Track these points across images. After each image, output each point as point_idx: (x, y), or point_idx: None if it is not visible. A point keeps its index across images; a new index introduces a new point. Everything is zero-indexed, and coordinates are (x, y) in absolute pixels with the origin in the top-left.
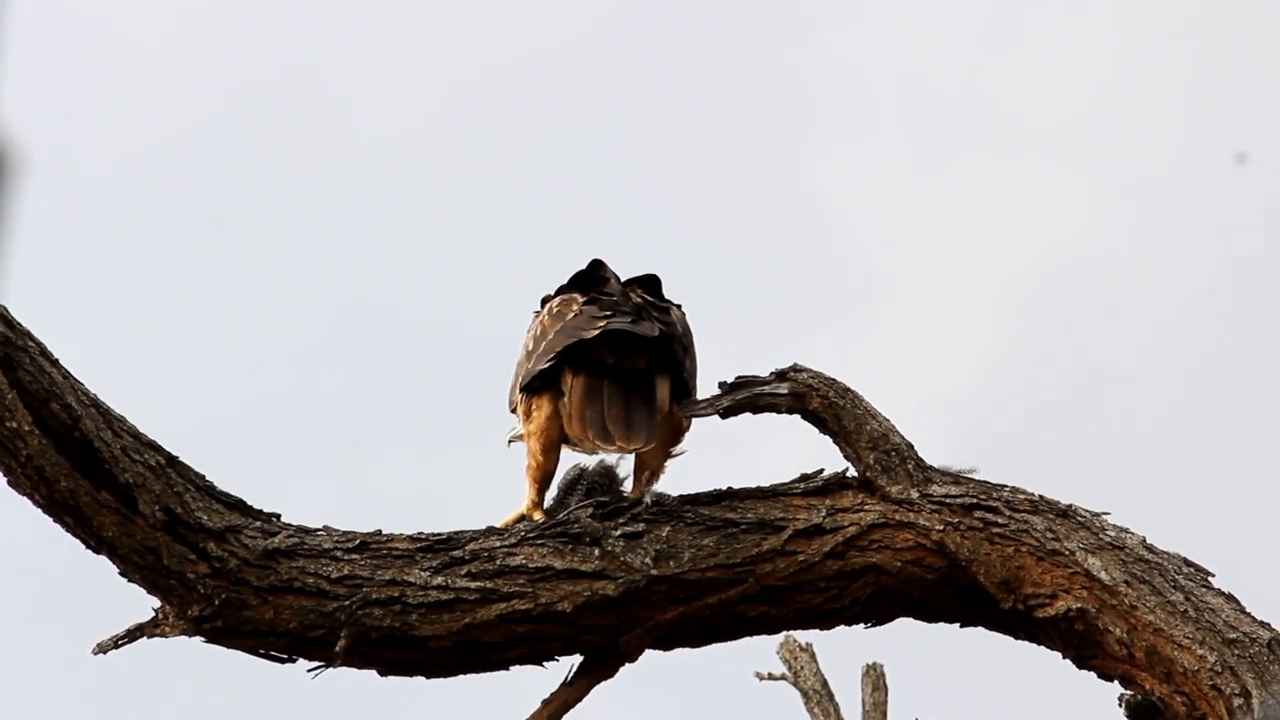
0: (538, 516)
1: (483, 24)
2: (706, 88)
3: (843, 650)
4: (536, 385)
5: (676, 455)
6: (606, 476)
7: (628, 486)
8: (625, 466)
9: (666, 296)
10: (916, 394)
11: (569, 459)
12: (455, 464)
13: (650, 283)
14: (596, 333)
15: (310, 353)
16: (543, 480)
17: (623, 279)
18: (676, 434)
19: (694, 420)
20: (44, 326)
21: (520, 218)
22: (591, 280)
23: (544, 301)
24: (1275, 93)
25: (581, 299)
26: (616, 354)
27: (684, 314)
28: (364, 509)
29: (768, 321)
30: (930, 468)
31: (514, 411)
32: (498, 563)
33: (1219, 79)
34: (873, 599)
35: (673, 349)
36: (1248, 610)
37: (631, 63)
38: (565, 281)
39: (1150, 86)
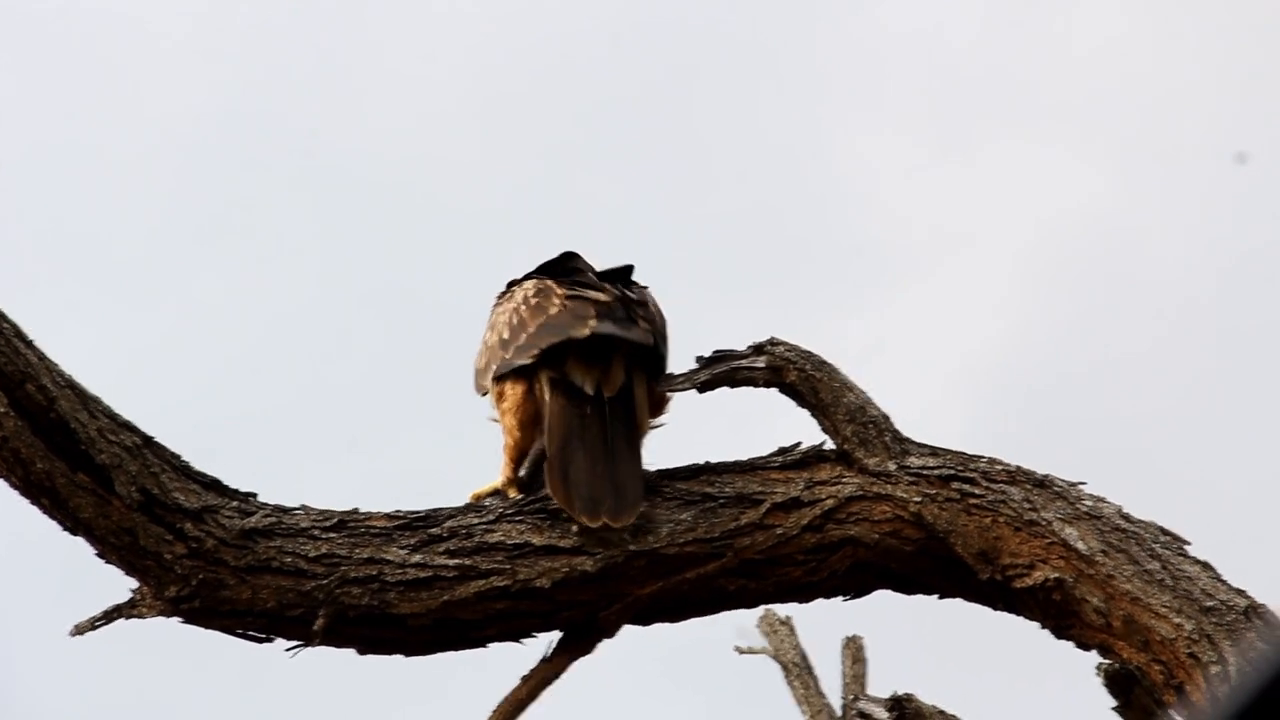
0: (513, 493)
1: (498, 8)
2: (723, 67)
3: (822, 623)
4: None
5: (657, 427)
6: None
7: None
8: None
9: (636, 281)
10: (942, 368)
11: None
12: (472, 450)
13: (625, 274)
14: (587, 334)
15: (329, 340)
16: (519, 458)
17: (597, 270)
18: (659, 406)
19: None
20: (64, 313)
21: (536, 203)
22: (563, 270)
23: (510, 285)
24: None
25: (562, 291)
26: (597, 364)
27: (655, 297)
28: (385, 496)
29: (789, 299)
30: (908, 439)
31: (482, 394)
32: (476, 540)
33: (1258, 50)
34: (851, 571)
35: (657, 348)
36: (1224, 578)
37: (647, 45)
38: (534, 269)
39: (1183, 56)
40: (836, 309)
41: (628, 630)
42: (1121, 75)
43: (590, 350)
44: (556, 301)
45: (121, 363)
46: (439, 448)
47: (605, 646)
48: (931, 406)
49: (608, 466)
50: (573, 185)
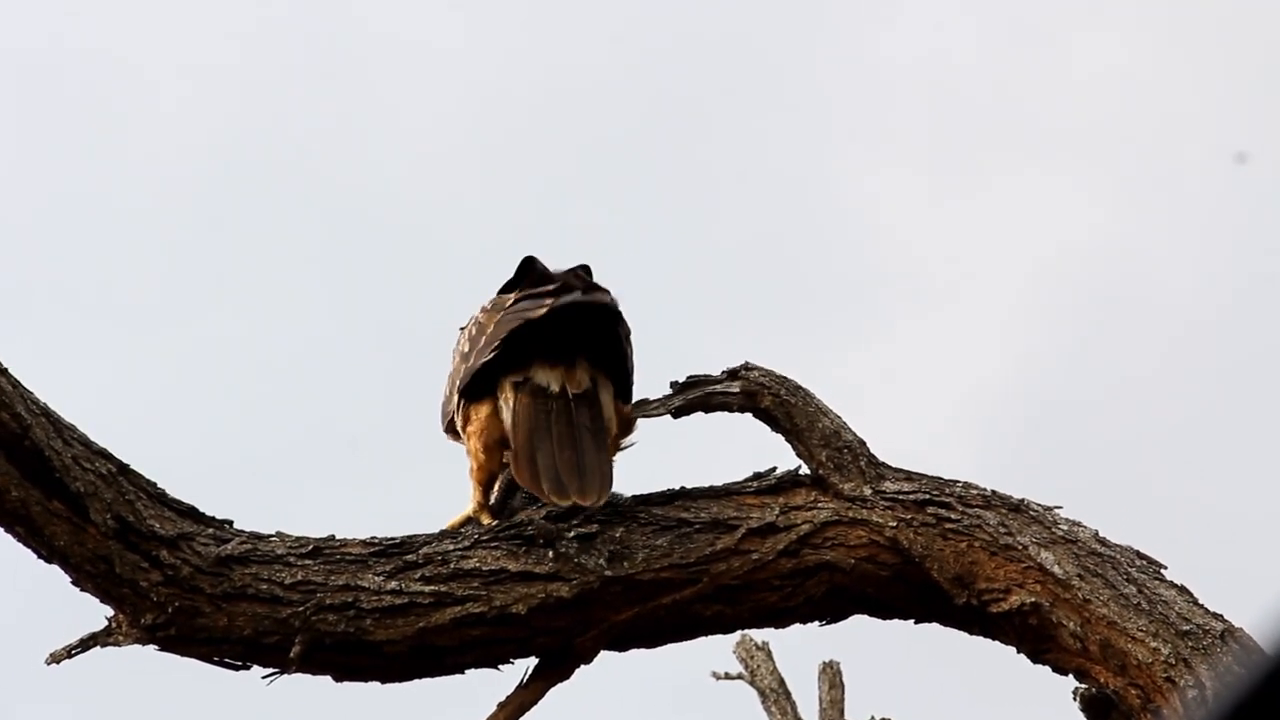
0: (485, 519)
1: (499, 42)
2: (725, 96)
3: (799, 649)
4: (474, 391)
5: (626, 448)
6: None
7: None
8: None
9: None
10: (948, 399)
11: None
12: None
13: (584, 273)
14: (545, 311)
15: (336, 376)
16: (487, 481)
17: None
18: (626, 428)
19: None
20: (71, 353)
21: (539, 234)
22: (527, 280)
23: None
24: None
25: (516, 294)
26: (561, 363)
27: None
28: (390, 522)
29: (793, 331)
30: (883, 464)
31: (448, 429)
32: (451, 566)
33: (1255, 78)
34: (827, 596)
35: (618, 334)
36: (1201, 602)
37: (647, 73)
38: (498, 290)
39: (1183, 84)
40: (840, 341)
41: (604, 656)
42: (1123, 104)
43: (554, 348)
44: (511, 300)
45: (128, 405)
46: (446, 481)
47: (582, 673)
48: (937, 437)
49: (574, 454)
50: (575, 216)
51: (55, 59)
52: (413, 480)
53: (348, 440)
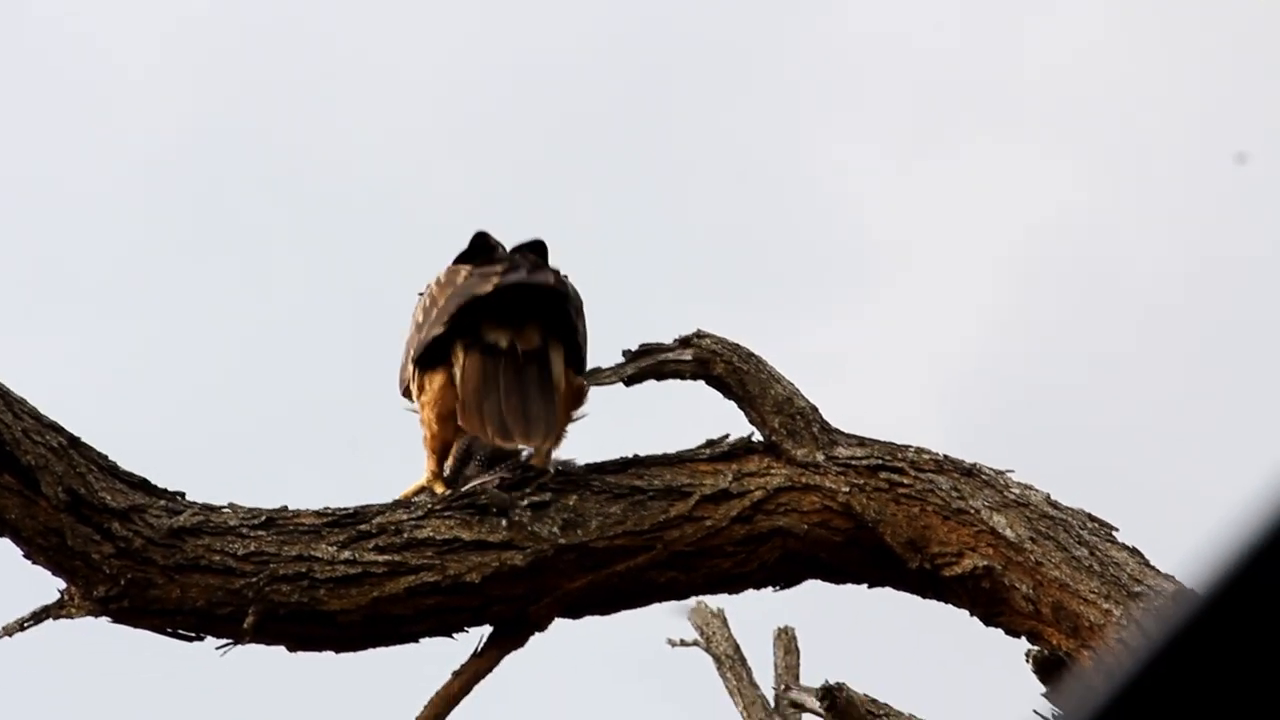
0: (439, 489)
1: (471, 24)
2: (694, 73)
3: (754, 615)
4: (428, 359)
5: (578, 419)
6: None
7: (524, 450)
8: None
9: (553, 265)
10: (920, 372)
11: None
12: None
13: (537, 248)
14: (490, 289)
15: (313, 353)
16: (441, 450)
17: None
18: (578, 398)
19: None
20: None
21: (511, 215)
22: (480, 253)
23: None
24: None
25: (469, 267)
26: (510, 327)
27: (572, 281)
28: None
29: (764, 305)
30: (835, 430)
31: (405, 394)
32: (405, 536)
33: (1237, 49)
34: (781, 562)
35: (567, 310)
36: (1152, 564)
37: (615, 50)
38: (452, 260)
39: (1159, 59)
40: (811, 315)
41: (559, 624)
42: (1096, 78)
43: (504, 313)
44: (463, 274)
45: (100, 381)
46: (400, 451)
47: (537, 640)
48: (909, 410)
49: (520, 400)
50: (547, 197)
51: (21, 39)
52: (368, 452)
53: (348, 441)
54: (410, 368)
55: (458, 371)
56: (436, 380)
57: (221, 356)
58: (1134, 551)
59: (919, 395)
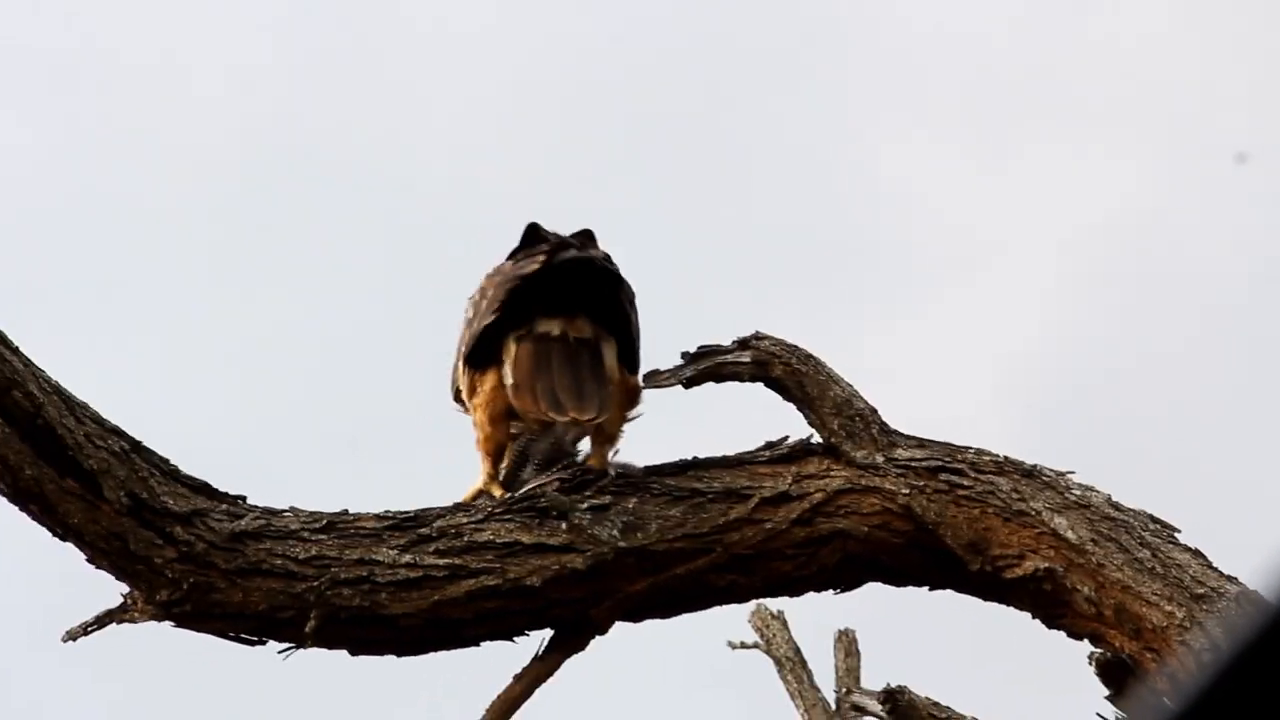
0: (496, 491)
1: (526, 24)
2: (755, 73)
3: (815, 616)
4: (479, 359)
5: (633, 419)
6: (555, 447)
7: (581, 448)
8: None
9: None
10: (983, 372)
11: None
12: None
13: (586, 236)
14: (539, 265)
15: (335, 352)
16: (496, 452)
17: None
18: (632, 397)
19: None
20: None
21: (568, 213)
22: (533, 244)
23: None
24: None
25: (515, 258)
26: (562, 315)
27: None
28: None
29: (826, 305)
30: (895, 432)
31: (456, 398)
32: (465, 539)
33: None
34: (841, 564)
35: (619, 296)
36: (1215, 565)
37: (679, 53)
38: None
39: (1221, 55)
40: (875, 315)
41: (620, 627)
42: (1158, 75)
43: (554, 299)
44: (509, 264)
45: (153, 384)
46: (448, 453)
47: (597, 643)
48: (972, 410)
49: (573, 379)
50: (610, 200)
51: (87, 53)
52: (426, 457)
53: (349, 440)
54: (461, 368)
55: (509, 365)
56: (488, 381)
57: (259, 358)
58: (1196, 553)
59: (982, 394)
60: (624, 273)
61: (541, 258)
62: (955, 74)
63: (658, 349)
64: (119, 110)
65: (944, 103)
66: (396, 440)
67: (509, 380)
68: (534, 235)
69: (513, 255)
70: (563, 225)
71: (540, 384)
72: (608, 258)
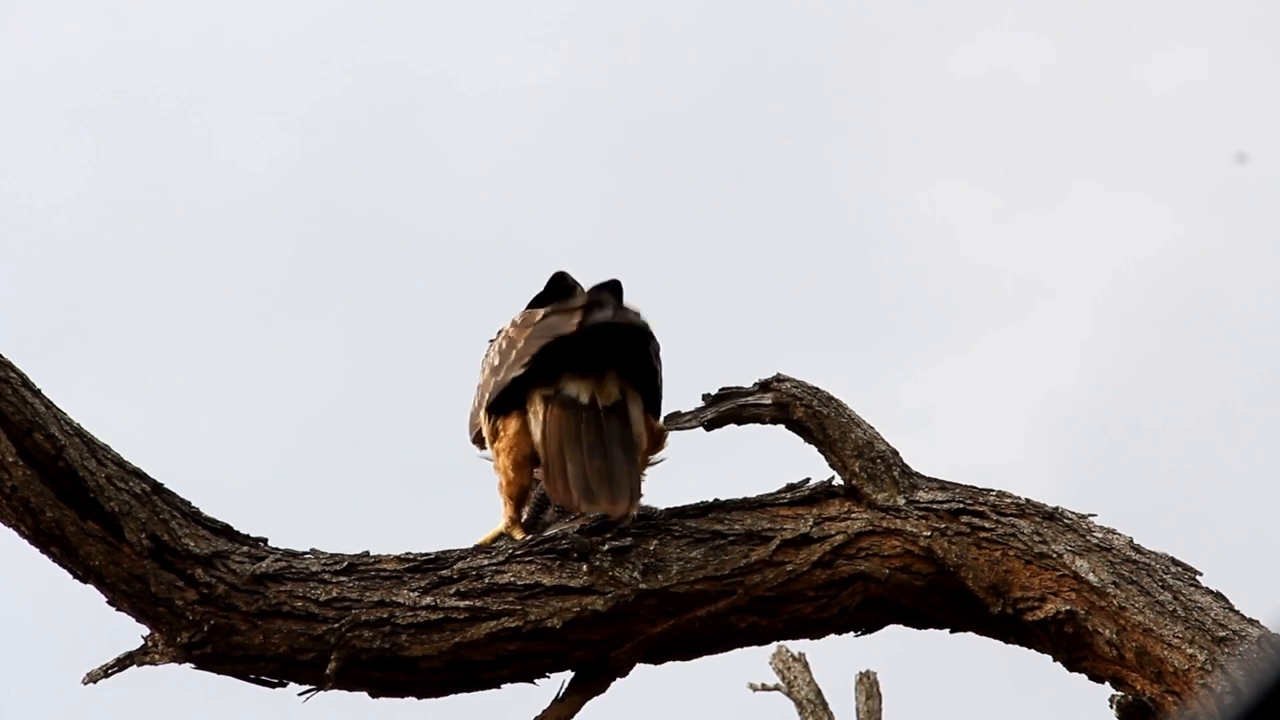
0: (518, 535)
1: (567, 70)
2: (792, 116)
3: (837, 658)
4: (502, 405)
5: (656, 463)
6: None
7: None
8: None
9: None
10: (1023, 417)
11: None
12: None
13: (613, 288)
14: (575, 328)
15: (357, 396)
16: (519, 497)
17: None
18: (657, 442)
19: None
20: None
21: (607, 258)
22: (558, 294)
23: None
24: None
25: (546, 309)
26: (590, 376)
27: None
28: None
29: (866, 349)
30: (916, 474)
31: (476, 441)
32: (486, 581)
33: None
34: (862, 607)
35: (649, 353)
36: (1236, 608)
37: (714, 96)
38: (528, 303)
39: (1263, 98)
40: (915, 359)
41: (640, 669)
42: (1199, 117)
43: (583, 361)
44: (540, 315)
45: (161, 425)
46: (469, 494)
47: (618, 686)
48: (1012, 455)
49: (605, 463)
50: (644, 239)
51: (142, 90)
52: (444, 501)
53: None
54: (482, 414)
55: (536, 426)
56: (511, 426)
57: (283, 403)
58: (1218, 596)
59: (1022, 438)
60: (652, 325)
61: (578, 318)
62: (994, 117)
63: (682, 391)
64: (153, 162)
65: (983, 146)
66: (419, 482)
67: (540, 454)
68: (560, 284)
69: (538, 302)
70: (600, 269)
71: (572, 470)
72: (638, 315)
